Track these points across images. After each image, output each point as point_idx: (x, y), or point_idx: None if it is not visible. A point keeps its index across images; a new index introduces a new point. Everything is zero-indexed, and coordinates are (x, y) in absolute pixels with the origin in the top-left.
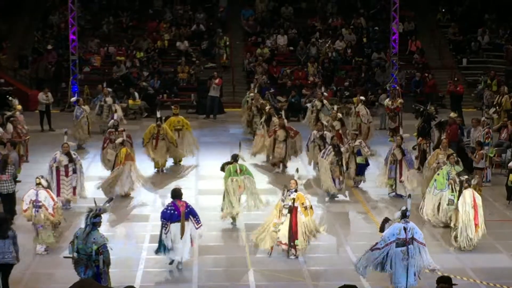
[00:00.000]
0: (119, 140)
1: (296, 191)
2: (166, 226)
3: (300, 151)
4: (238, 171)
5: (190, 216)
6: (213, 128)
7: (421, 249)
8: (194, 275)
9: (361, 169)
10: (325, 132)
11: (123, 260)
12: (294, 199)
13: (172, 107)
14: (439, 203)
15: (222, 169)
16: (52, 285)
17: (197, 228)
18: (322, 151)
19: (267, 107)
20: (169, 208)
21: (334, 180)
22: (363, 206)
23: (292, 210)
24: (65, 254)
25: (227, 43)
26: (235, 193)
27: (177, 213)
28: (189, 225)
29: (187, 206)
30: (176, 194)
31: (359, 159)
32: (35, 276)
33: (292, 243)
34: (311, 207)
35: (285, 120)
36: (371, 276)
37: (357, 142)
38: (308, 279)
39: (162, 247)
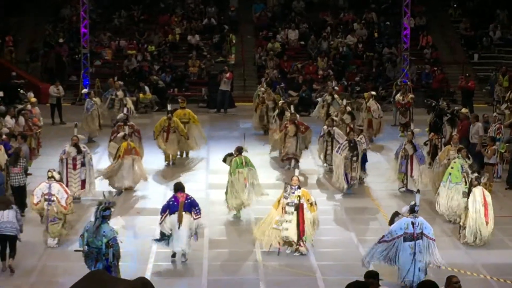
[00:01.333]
0: (121, 134)
1: (299, 188)
2: (161, 217)
3: (308, 147)
4: (244, 163)
5: (192, 208)
6: (223, 122)
7: (430, 244)
8: (204, 268)
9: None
10: (333, 128)
11: (133, 254)
12: (299, 196)
13: (179, 100)
14: (454, 197)
15: (225, 160)
16: (62, 277)
17: (194, 219)
18: (338, 146)
19: (281, 101)
20: (170, 200)
21: (346, 176)
22: (373, 201)
23: (299, 207)
24: (76, 248)
25: (233, 41)
26: (241, 185)
27: (176, 203)
28: (189, 217)
29: (187, 198)
30: (178, 187)
31: None
32: (45, 268)
33: (300, 241)
34: (315, 203)
35: (297, 115)
36: (380, 271)
37: (358, 138)
38: (318, 274)
39: (161, 236)
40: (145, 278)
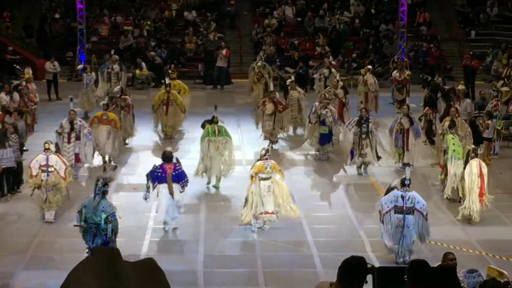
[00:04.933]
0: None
1: (259, 160)
2: (149, 187)
3: (287, 128)
4: (217, 132)
5: (180, 180)
6: (220, 99)
7: (420, 219)
8: (200, 245)
9: (324, 139)
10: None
11: (129, 230)
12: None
13: (169, 71)
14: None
15: (203, 126)
16: (58, 253)
17: (181, 192)
18: (348, 121)
19: (288, 80)
20: (157, 170)
21: (352, 152)
22: (370, 178)
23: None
24: (74, 223)
25: (212, 28)
26: (214, 153)
27: (164, 175)
28: (177, 188)
29: (175, 169)
30: (165, 157)
31: (321, 129)
32: (41, 244)
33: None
34: (252, 177)
35: (276, 94)
36: (377, 248)
37: (324, 111)
38: (314, 250)
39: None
40: (153, 260)
